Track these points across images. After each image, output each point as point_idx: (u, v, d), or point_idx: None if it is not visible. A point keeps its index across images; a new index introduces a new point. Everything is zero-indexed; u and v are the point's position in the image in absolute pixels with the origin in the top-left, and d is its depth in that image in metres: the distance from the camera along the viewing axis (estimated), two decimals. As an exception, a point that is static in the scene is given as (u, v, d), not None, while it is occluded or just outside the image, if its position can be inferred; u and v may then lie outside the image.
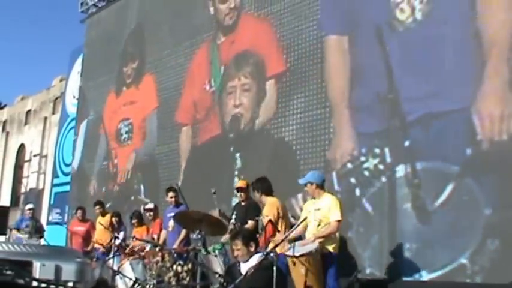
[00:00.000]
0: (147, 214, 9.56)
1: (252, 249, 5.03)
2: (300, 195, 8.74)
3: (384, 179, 8.02)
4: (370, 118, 8.35)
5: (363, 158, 8.32)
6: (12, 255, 4.45)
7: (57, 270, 4.54)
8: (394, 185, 7.87)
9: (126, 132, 14.24)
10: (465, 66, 7.38)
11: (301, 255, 6.01)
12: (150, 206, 9.63)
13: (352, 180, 8.42)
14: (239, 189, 7.75)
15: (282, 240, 5.88)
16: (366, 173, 8.25)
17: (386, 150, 8.05)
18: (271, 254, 4.96)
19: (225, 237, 7.01)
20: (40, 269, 4.54)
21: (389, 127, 8.07)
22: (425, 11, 7.92)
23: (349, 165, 8.50)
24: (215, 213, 7.40)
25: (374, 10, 8.63)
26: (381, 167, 8.08)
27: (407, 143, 7.79)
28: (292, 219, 7.60)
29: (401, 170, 7.79)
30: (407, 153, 7.78)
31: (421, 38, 7.90)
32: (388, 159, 8.01)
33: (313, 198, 6.60)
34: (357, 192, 8.34)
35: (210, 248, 6.63)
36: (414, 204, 7.57)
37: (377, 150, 8.15)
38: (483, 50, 7.22)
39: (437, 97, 7.51)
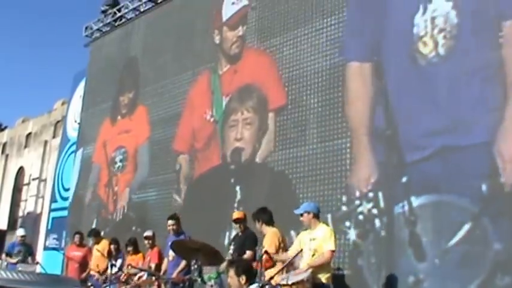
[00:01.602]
0: (145, 242, 9.53)
1: (243, 282, 5.05)
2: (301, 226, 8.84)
3: (385, 218, 8.10)
4: (379, 151, 8.44)
5: (363, 197, 8.40)
6: (9, 283, 4.50)
7: (55, 299, 4.59)
8: (392, 223, 7.96)
9: (120, 161, 14.42)
10: (485, 105, 7.39)
11: (293, 284, 6.10)
12: (149, 233, 9.53)
13: (347, 223, 8.50)
14: (236, 221, 7.84)
15: (277, 273, 5.98)
16: (361, 217, 8.34)
17: (389, 186, 8.13)
18: (267, 287, 5.04)
19: (222, 266, 7.08)
20: (38, 298, 4.59)
21: (389, 161, 8.17)
22: (448, 46, 7.94)
23: (345, 208, 8.61)
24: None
25: (396, 41, 8.68)
26: (382, 205, 8.15)
27: (423, 177, 7.78)
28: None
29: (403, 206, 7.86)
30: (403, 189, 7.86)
31: (442, 73, 7.92)
32: (391, 196, 8.09)
33: (309, 228, 6.72)
34: (352, 234, 8.41)
35: (205, 277, 6.68)
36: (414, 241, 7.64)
37: (376, 188, 8.24)
38: (506, 89, 7.22)
39: (455, 132, 7.55)
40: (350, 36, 9.39)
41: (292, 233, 8.85)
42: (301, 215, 6.79)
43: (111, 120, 15.29)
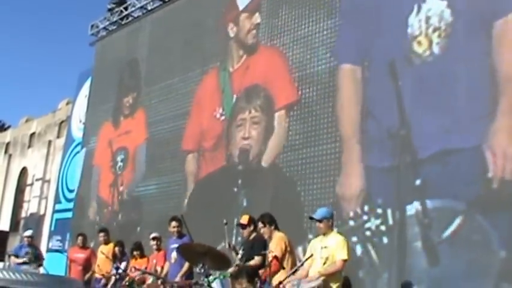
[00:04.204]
0: (152, 243, 9.40)
1: (258, 285, 5.11)
2: (307, 230, 8.85)
3: (391, 220, 8.11)
4: (381, 154, 8.46)
5: (371, 197, 8.42)
6: (13, 284, 4.52)
7: (58, 301, 4.60)
8: (404, 224, 7.96)
9: (121, 160, 14.48)
10: (479, 102, 7.51)
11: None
12: (156, 234, 9.43)
13: (358, 236, 8.49)
14: (242, 226, 7.83)
15: (286, 278, 5.97)
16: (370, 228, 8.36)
17: (396, 187, 8.15)
18: (276, 293, 5.05)
19: (229, 271, 7.05)
20: (42, 299, 4.61)
21: (399, 164, 8.17)
22: (442, 45, 8.05)
23: (357, 210, 8.61)
24: (222, 245, 7.46)
25: (390, 42, 8.78)
26: (389, 208, 8.17)
27: (418, 181, 7.87)
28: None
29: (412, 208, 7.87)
30: (417, 191, 7.87)
31: (437, 72, 8.02)
32: (398, 197, 8.10)
33: (323, 235, 6.67)
34: (361, 248, 8.41)
35: (210, 278, 6.65)
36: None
37: (387, 187, 8.25)
38: (498, 87, 7.36)
39: (451, 133, 7.62)
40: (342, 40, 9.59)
41: (298, 236, 8.89)
42: (320, 221, 6.75)
43: (113, 122, 15.38)
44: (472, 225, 7.20)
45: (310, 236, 8.47)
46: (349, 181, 8.82)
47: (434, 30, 8.17)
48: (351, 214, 8.63)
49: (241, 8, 12.29)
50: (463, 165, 7.43)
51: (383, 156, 8.42)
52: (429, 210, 7.68)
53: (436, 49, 8.12)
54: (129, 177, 14.13)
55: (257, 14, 11.78)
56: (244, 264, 7.04)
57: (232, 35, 12.31)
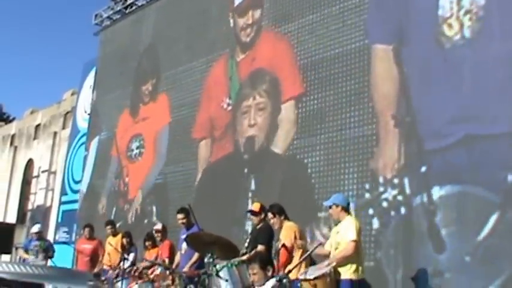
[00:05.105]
0: (156, 235, 9.52)
1: (269, 273, 5.13)
2: (318, 217, 8.82)
3: (403, 209, 8.07)
4: (393, 141, 8.39)
5: (384, 186, 8.36)
6: (23, 277, 4.53)
7: (69, 294, 4.60)
8: (411, 214, 7.95)
9: (137, 148, 14.46)
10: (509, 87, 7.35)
11: (315, 278, 6.06)
12: (158, 227, 9.53)
13: (370, 211, 8.46)
14: (252, 213, 7.84)
15: (295, 266, 5.98)
16: (385, 203, 8.29)
17: (408, 178, 8.09)
18: (284, 280, 5.06)
19: (235, 260, 7.07)
20: (52, 292, 4.61)
21: (423, 149, 8.07)
22: (474, 28, 7.84)
23: (368, 195, 8.56)
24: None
25: (421, 23, 8.57)
26: (400, 197, 8.13)
27: (445, 167, 7.72)
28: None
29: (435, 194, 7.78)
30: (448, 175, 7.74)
31: (468, 56, 7.82)
32: (409, 188, 8.07)
33: (338, 222, 6.66)
34: (375, 223, 8.38)
35: (218, 266, 6.68)
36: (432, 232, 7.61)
37: (400, 177, 8.19)
38: None
39: (479, 119, 7.49)
40: (373, 19, 9.31)
41: (309, 223, 8.88)
42: (330, 207, 6.75)
43: (131, 110, 15.27)
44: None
45: (321, 216, 8.45)
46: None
47: (466, 13, 7.95)
48: (367, 186, 8.56)
49: (236, 3, 12.30)
50: (493, 151, 7.26)
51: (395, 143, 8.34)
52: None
53: (467, 33, 7.88)
54: (146, 165, 14.05)
55: (250, 12, 11.80)
56: (257, 251, 7.04)
57: (232, 25, 12.29)
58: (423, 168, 7.91)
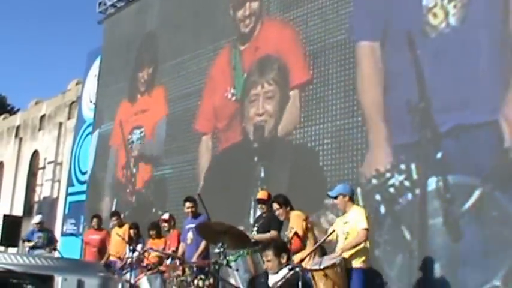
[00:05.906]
0: (163, 225, 9.54)
1: (284, 260, 5.12)
2: (327, 205, 8.81)
3: (411, 195, 8.05)
4: (401, 129, 8.38)
5: (393, 171, 8.32)
6: (32, 269, 4.51)
7: (80, 285, 4.57)
8: (425, 199, 7.90)
9: (138, 140, 14.47)
10: (498, 73, 7.39)
11: (325, 267, 6.09)
12: (166, 216, 9.54)
13: (378, 197, 8.45)
14: (260, 201, 7.82)
15: (308, 254, 5.97)
16: (392, 189, 8.28)
17: (415, 163, 8.06)
18: (297, 269, 5.04)
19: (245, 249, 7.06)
20: (62, 284, 4.58)
21: (420, 139, 8.08)
22: (459, 16, 7.89)
23: (375, 181, 8.53)
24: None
25: (405, 15, 8.65)
26: (408, 182, 8.10)
27: (439, 155, 7.77)
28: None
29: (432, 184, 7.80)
30: (438, 166, 7.79)
31: (454, 43, 7.89)
32: (417, 173, 8.04)
33: (344, 212, 6.68)
34: (382, 208, 8.36)
35: (231, 257, 6.67)
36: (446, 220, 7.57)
37: (408, 163, 8.16)
38: None
39: (469, 106, 7.53)
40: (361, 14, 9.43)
41: (318, 211, 8.87)
42: (335, 197, 6.72)
43: (130, 100, 15.30)
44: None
45: (330, 204, 8.44)
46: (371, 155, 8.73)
47: (450, 1, 8.01)
48: (373, 172, 8.53)
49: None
50: (481, 138, 7.34)
51: (404, 131, 8.32)
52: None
53: (452, 20, 7.95)
54: (147, 157, 14.09)
55: (247, 4, 11.82)
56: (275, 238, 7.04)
57: (235, 14, 12.24)
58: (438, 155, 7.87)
